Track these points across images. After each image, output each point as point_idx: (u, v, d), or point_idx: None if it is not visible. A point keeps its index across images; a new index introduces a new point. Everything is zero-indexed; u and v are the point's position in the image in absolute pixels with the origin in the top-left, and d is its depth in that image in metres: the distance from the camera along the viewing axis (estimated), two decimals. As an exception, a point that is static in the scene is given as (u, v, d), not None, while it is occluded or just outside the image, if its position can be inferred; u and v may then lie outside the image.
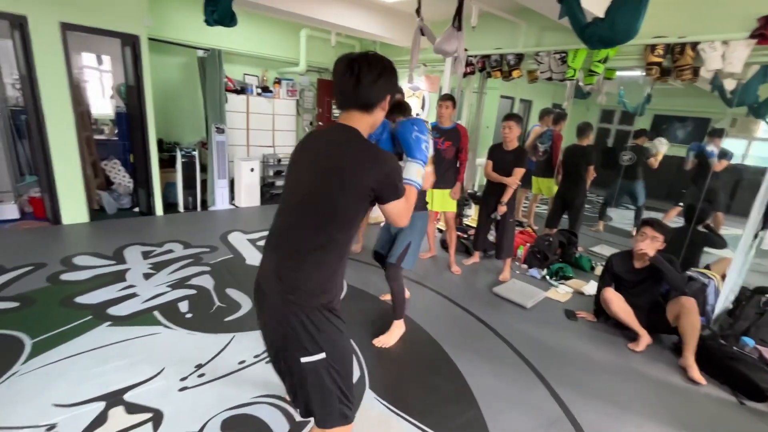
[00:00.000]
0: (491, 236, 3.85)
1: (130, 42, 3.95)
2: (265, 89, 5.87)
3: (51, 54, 3.54)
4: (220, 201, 5.03)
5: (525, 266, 3.90)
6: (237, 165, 5.14)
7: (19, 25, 3.40)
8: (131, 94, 4.23)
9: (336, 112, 6.29)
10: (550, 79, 3.91)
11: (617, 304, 2.66)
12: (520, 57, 4.04)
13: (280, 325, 1.11)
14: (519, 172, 3.26)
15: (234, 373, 2.04)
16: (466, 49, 4.42)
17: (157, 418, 1.71)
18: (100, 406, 1.75)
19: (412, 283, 3.33)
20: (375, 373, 2.14)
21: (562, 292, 3.39)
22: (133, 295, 2.69)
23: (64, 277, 2.88)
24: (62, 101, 3.68)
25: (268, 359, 2.13)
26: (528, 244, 4.07)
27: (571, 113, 4.95)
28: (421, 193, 2.41)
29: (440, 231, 4.52)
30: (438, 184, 3.44)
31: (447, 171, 3.44)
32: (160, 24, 4.64)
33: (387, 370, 2.20)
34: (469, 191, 5.10)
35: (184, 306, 2.62)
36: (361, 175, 1.08)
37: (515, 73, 4.08)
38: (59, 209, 3.92)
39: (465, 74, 4.59)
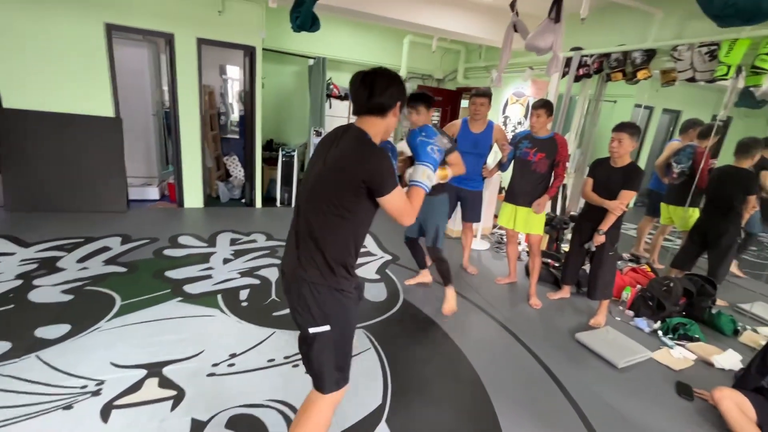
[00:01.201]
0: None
1: (249, 53, 4.48)
2: (367, 96, 6.04)
3: (188, 64, 4.22)
4: (313, 199, 5.34)
5: (630, 313, 3.13)
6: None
7: (168, 41, 4.14)
8: (246, 98, 4.80)
9: (433, 119, 6.11)
10: (692, 79, 3.06)
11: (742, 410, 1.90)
12: (649, 54, 3.27)
13: (298, 298, 1.27)
14: (627, 195, 2.61)
15: (260, 370, 2.05)
16: (580, 48, 3.81)
17: (178, 397, 1.81)
18: (141, 373, 1.93)
19: (476, 308, 2.96)
20: (397, 406, 1.91)
21: (678, 356, 2.60)
22: (208, 277, 2.98)
23: (167, 252, 3.36)
24: (192, 105, 4.36)
25: (296, 363, 2.11)
26: (639, 286, 3.26)
27: (735, 126, 3.85)
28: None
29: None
30: (523, 201, 3.01)
31: (537, 186, 2.98)
32: (278, 36, 5.15)
33: (411, 405, 1.94)
34: (572, 213, 4.37)
35: (243, 294, 2.79)
36: (353, 169, 1.22)
37: (641, 74, 3.33)
38: (183, 194, 4.65)
39: (578, 77, 3.95)
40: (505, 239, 3.70)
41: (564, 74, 4.00)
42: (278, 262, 3.39)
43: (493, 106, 5.42)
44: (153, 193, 4.91)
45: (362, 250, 4.05)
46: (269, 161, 5.40)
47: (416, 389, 2.05)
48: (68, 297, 2.53)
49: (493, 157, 3.52)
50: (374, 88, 1.26)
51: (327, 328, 1.26)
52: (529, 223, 3.06)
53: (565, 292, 3.31)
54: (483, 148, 3.19)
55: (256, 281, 3.00)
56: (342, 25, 5.62)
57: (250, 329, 2.40)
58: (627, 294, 3.23)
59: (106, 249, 3.28)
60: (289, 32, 5.27)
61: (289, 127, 6.14)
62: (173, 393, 1.83)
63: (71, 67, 3.84)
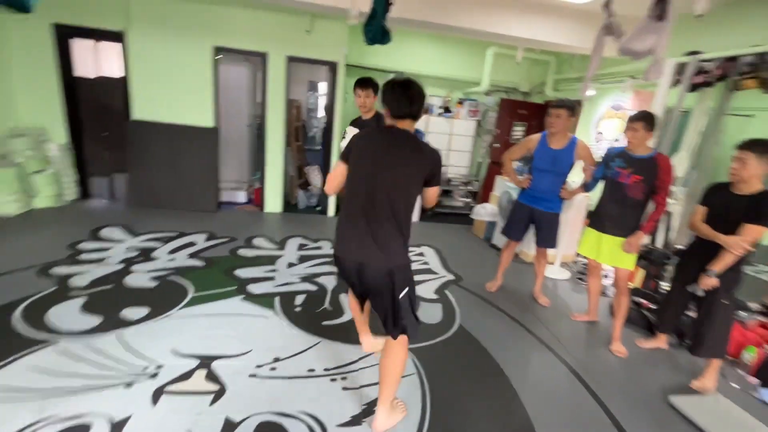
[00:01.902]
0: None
1: (332, 68, 4.71)
2: (447, 109, 5.93)
3: (278, 80, 4.59)
4: (383, 211, 5.35)
5: (754, 381, 2.46)
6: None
7: (263, 59, 4.56)
8: (328, 112, 5.03)
9: (516, 134, 5.73)
10: None
11: None
12: (797, 56, 2.61)
13: (383, 274, 1.61)
14: (753, 231, 2.07)
15: (299, 379, 2.04)
16: (698, 52, 3.23)
17: (219, 393, 1.87)
18: (194, 363, 2.05)
19: (542, 345, 2.60)
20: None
21: (823, 449, 1.95)
22: (271, 279, 3.13)
23: (241, 252, 3.62)
24: (278, 117, 4.71)
25: (333, 377, 2.06)
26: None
27: None
28: None
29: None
30: (611, 228, 2.60)
31: (629, 214, 2.55)
32: (360, 52, 5.34)
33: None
34: (677, 246, 3.66)
35: (299, 299, 2.85)
36: (424, 164, 1.61)
37: (784, 81, 2.66)
38: (265, 199, 5.03)
39: (695, 86, 3.33)
40: (587, 271, 3.23)
41: (675, 83, 3.41)
42: (337, 271, 3.42)
43: (586, 120, 4.89)
44: (241, 196, 5.40)
45: (423, 266, 3.87)
46: (345, 172, 5.56)
47: (456, 428, 1.84)
48: (154, 284, 2.85)
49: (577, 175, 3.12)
50: (413, 98, 1.62)
51: (407, 290, 1.66)
52: (616, 254, 2.62)
53: (661, 341, 2.75)
54: (562, 166, 2.84)
55: (314, 287, 3.06)
56: (421, 39, 5.62)
57: (298, 335, 2.43)
58: (751, 355, 2.56)
59: (192, 244, 3.66)
60: (373, 48, 5.46)
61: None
62: (216, 388, 1.90)
63: (185, 84, 4.45)
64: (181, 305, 2.60)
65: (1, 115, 4.01)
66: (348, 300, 2.30)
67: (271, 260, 3.48)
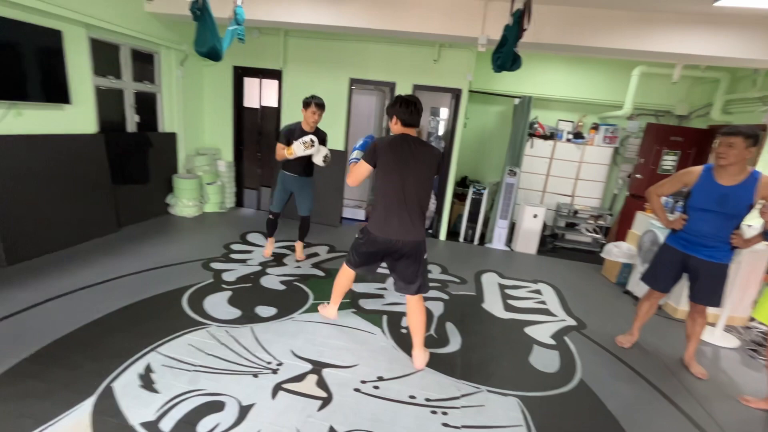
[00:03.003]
0: None
1: (455, 95, 4.77)
2: (578, 135, 5.42)
3: (402, 107, 4.86)
4: (497, 240, 5.11)
5: None
6: (522, 209, 5.04)
7: (391, 88, 4.88)
8: (448, 137, 5.10)
9: (666, 165, 4.89)
10: None
11: None
12: None
13: (415, 246, 2.24)
14: None
15: (399, 403, 2.04)
16: None
17: (326, 401, 2.00)
18: (307, 367, 2.24)
19: (693, 427, 2.09)
20: None
21: None
22: (381, 296, 3.24)
23: (356, 266, 3.87)
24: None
25: (434, 410, 2.01)
26: None
27: None
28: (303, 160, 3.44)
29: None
30: None
31: None
32: (486, 78, 5.30)
33: None
34: None
35: (405, 321, 2.89)
36: (436, 161, 2.20)
37: None
38: (381, 218, 5.29)
39: None
40: (767, 342, 2.52)
41: None
42: (445, 297, 3.37)
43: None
44: (360, 214, 5.80)
45: (539, 305, 3.60)
46: (461, 197, 5.52)
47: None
48: (282, 287, 3.23)
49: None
50: (419, 111, 2.16)
51: (426, 254, 2.34)
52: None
53: None
54: (735, 207, 2.29)
55: (420, 312, 3.06)
56: (551, 61, 5.30)
57: (402, 358, 2.45)
58: None
59: (315, 255, 4.05)
60: (498, 74, 5.37)
61: (485, 166, 6.15)
62: (324, 395, 2.04)
63: (325, 113, 5.03)
64: (301, 310, 2.89)
65: (193, 137, 5.15)
66: (345, 277, 2.61)
67: (382, 278, 3.61)
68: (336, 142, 5.09)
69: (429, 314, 3.02)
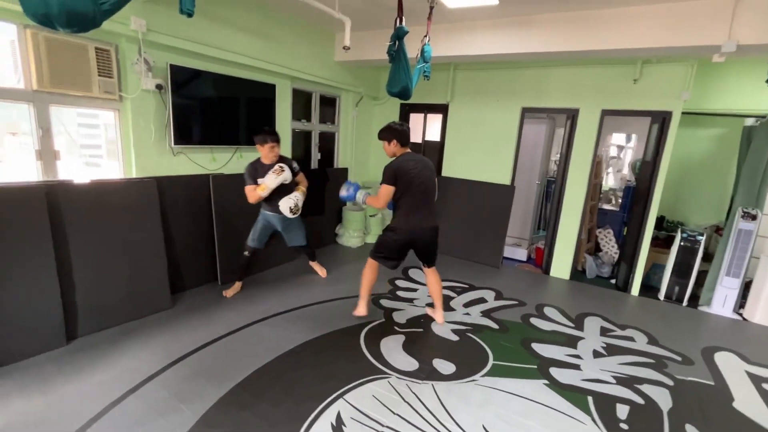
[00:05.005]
0: None
1: (660, 119, 3.89)
2: None
3: (586, 136, 4.20)
4: (720, 304, 3.86)
5: None
6: (763, 264, 3.71)
7: (571, 116, 4.30)
8: (644, 169, 4.18)
9: None
10: None
11: None
12: None
13: (433, 235, 2.89)
14: None
15: None
16: None
17: None
18: (509, 456, 1.84)
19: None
20: None
21: None
22: (576, 367, 2.64)
23: (533, 321, 3.33)
24: (582, 175, 4.27)
25: None
26: None
27: None
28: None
29: None
30: None
31: None
32: (698, 96, 4.22)
33: None
34: None
35: (622, 411, 2.23)
36: (432, 167, 2.89)
37: None
38: (551, 262, 4.61)
39: None
40: None
41: None
42: (668, 382, 2.56)
43: None
44: (521, 254, 5.20)
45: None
46: (655, 241, 4.44)
47: None
48: (455, 338, 2.94)
49: None
50: (410, 134, 2.87)
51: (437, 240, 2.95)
52: None
53: None
54: None
55: (639, 399, 2.35)
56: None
57: (634, 470, 1.83)
58: None
59: (482, 300, 3.67)
60: (716, 88, 4.22)
61: (690, 203, 4.87)
62: (540, 505, 1.60)
63: (490, 144, 4.74)
64: (483, 372, 2.52)
65: (362, 171, 5.47)
66: (372, 272, 3.02)
67: (570, 341, 3.00)
68: (502, 175, 4.70)
69: (651, 404, 2.29)
